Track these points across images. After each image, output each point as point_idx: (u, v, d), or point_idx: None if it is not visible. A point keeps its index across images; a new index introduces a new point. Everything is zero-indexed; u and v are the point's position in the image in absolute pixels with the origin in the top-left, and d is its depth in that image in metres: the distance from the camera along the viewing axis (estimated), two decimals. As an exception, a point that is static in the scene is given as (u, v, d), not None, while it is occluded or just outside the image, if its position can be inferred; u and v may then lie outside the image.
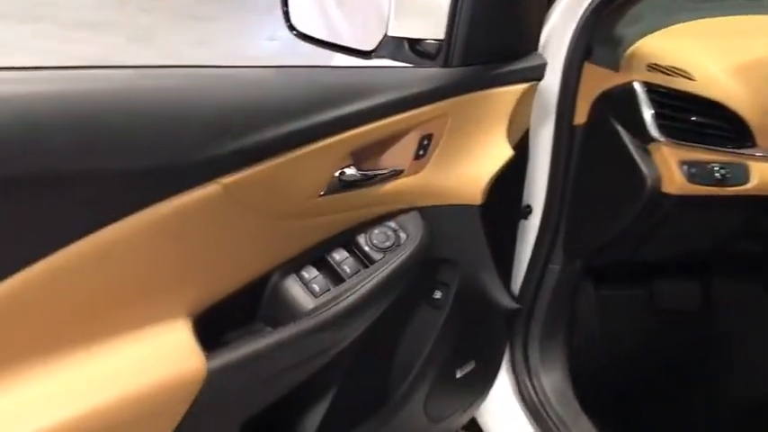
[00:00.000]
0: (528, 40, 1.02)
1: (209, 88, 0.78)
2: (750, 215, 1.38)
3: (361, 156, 0.88)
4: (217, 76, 0.81)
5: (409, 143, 0.91)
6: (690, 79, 1.20)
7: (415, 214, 0.96)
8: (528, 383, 1.34)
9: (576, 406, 1.32)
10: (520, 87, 0.97)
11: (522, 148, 1.09)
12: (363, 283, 0.89)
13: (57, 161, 0.65)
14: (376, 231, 0.93)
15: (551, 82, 1.15)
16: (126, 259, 0.71)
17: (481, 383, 1.30)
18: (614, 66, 1.22)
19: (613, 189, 1.28)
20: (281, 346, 0.82)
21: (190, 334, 0.76)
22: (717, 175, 1.23)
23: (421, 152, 0.93)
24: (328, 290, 0.87)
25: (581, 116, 1.22)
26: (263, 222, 0.82)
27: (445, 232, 1.00)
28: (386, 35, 0.92)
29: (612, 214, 1.30)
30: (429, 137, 0.93)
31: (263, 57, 4.38)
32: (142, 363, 0.73)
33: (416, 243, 0.94)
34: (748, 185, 1.25)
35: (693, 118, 1.23)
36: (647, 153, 1.23)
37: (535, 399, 1.32)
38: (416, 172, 0.95)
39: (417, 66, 0.94)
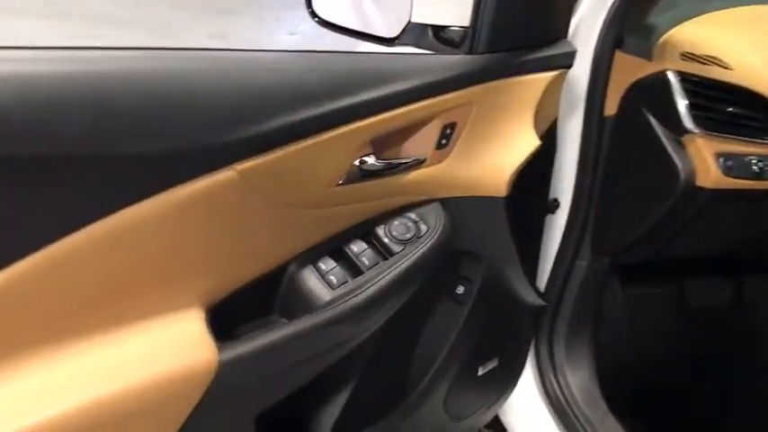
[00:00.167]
0: (557, 27, 0.98)
1: (225, 72, 0.76)
2: None
3: (381, 144, 0.86)
4: (233, 60, 0.79)
5: (431, 132, 0.89)
6: (726, 68, 1.16)
7: (436, 206, 0.94)
8: (554, 382, 1.31)
9: (603, 406, 1.30)
10: (548, 75, 0.94)
11: (549, 139, 1.06)
12: (382, 276, 0.86)
13: (69, 143, 0.64)
14: (396, 223, 0.91)
15: (581, 71, 1.12)
16: (137, 246, 0.70)
17: (504, 382, 1.28)
18: (647, 54, 1.18)
19: (645, 183, 1.24)
20: (296, 338, 0.81)
21: (202, 324, 0.75)
22: (754, 168, 1.19)
23: (443, 141, 0.91)
24: (346, 282, 0.85)
25: (611, 107, 1.19)
26: (279, 211, 0.80)
27: (468, 225, 0.98)
28: (409, 22, 0.90)
29: (643, 209, 1.26)
30: (452, 125, 0.90)
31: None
32: (152, 353, 0.72)
33: (437, 235, 0.91)
34: None
35: (729, 109, 1.19)
36: (680, 145, 1.19)
37: (561, 398, 1.30)
38: (439, 162, 0.92)
39: (441, 53, 0.92)
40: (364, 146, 0.83)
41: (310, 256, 0.87)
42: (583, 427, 1.26)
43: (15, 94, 0.62)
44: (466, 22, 0.89)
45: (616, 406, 1.30)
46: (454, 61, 0.89)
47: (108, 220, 0.66)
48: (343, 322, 0.84)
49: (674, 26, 1.21)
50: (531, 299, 1.15)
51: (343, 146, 0.81)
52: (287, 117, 0.75)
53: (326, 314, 0.83)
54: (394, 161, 0.88)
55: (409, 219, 0.92)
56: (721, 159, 1.18)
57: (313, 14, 0.95)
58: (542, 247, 1.27)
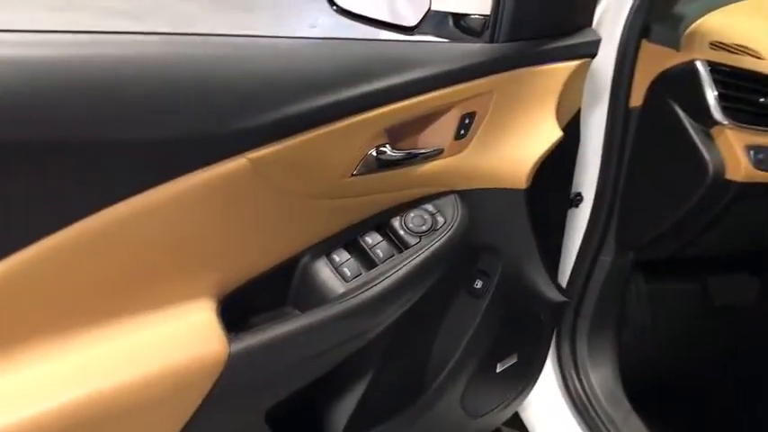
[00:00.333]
0: (581, 15, 0.96)
1: (238, 58, 0.75)
2: None
3: (397, 134, 0.84)
4: (246, 46, 0.77)
5: (449, 121, 0.87)
6: (758, 58, 1.12)
7: (454, 197, 0.92)
8: (575, 380, 1.29)
9: (626, 405, 1.28)
10: (571, 64, 0.92)
11: (572, 130, 1.04)
12: (397, 269, 0.85)
13: (80, 128, 0.63)
14: (412, 214, 0.89)
15: (605, 61, 1.09)
16: (147, 234, 0.69)
17: (523, 379, 1.25)
18: (674, 44, 1.15)
19: (671, 176, 1.21)
20: (308, 331, 0.79)
21: (213, 315, 0.74)
22: None
23: (462, 131, 0.88)
24: (360, 274, 0.84)
25: (637, 98, 1.16)
26: (292, 201, 0.78)
27: (487, 217, 0.95)
28: (429, 10, 0.88)
29: (670, 203, 1.23)
30: (471, 115, 0.88)
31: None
32: (162, 343, 0.71)
33: (455, 228, 0.89)
34: None
35: (761, 99, 1.15)
36: (709, 137, 1.15)
37: (583, 396, 1.28)
38: (457, 152, 0.90)
39: (461, 41, 0.90)
40: (380, 135, 0.82)
41: (324, 248, 0.85)
42: (605, 425, 1.23)
43: (25, 78, 0.61)
44: (487, 9, 0.87)
45: (639, 405, 1.28)
46: (474, 50, 0.86)
47: (117, 207, 0.65)
48: (356, 315, 0.83)
49: (703, 15, 1.18)
50: (553, 295, 1.13)
51: (359, 135, 0.79)
52: (301, 105, 0.73)
53: (340, 307, 0.81)
54: (411, 151, 0.86)
55: (426, 210, 0.90)
56: (752, 152, 1.14)
57: (331, 3, 0.93)
58: (564, 242, 1.24)
